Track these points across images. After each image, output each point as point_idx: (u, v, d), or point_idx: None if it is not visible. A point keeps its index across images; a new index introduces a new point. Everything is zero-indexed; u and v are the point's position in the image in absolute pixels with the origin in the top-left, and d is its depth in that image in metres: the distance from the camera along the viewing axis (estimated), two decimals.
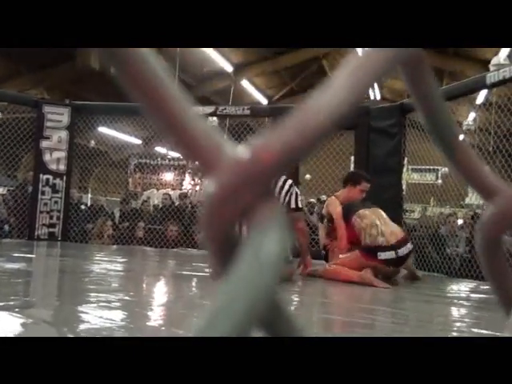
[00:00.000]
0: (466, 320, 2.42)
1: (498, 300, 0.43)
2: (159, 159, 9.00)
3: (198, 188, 9.16)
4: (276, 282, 0.23)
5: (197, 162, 0.25)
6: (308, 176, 8.89)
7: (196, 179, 9.41)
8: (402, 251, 3.47)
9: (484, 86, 4.53)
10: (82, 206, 6.92)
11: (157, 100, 0.25)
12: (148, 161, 8.80)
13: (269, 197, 0.24)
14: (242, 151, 0.24)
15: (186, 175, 9.15)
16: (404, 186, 7.16)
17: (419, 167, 9.61)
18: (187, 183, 9.41)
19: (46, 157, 5.98)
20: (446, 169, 9.24)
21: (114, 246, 6.03)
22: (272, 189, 0.25)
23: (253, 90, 11.78)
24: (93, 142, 9.60)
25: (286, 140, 0.24)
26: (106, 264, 3.96)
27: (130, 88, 0.25)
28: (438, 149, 0.40)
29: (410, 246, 3.58)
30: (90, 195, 9.23)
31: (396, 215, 4.75)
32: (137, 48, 0.24)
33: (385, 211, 3.75)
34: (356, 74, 0.26)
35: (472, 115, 8.63)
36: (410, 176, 9.47)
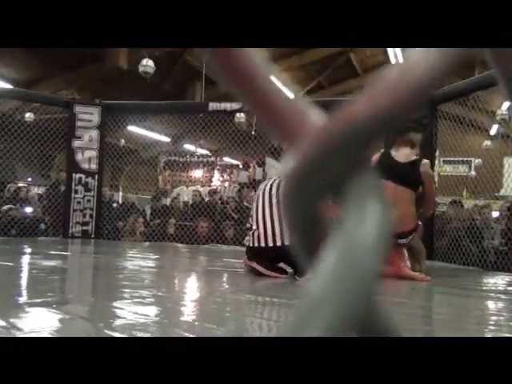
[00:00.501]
0: (504, 314, 2.37)
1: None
2: (188, 156, 9.08)
3: (226, 184, 9.20)
4: (375, 275, 0.20)
5: (281, 133, 0.23)
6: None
7: (225, 175, 9.46)
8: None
9: None
10: (114, 204, 7.03)
11: (241, 72, 0.23)
12: (177, 158, 8.89)
13: (363, 165, 0.21)
14: (329, 115, 0.22)
15: (215, 172, 9.20)
16: (436, 179, 7.03)
17: (451, 159, 9.44)
18: (216, 179, 9.47)
19: (78, 156, 6.10)
20: (480, 160, 9.06)
21: (146, 243, 6.11)
22: (366, 155, 0.22)
23: (280, 86, 11.75)
24: (123, 141, 9.74)
25: (376, 100, 0.21)
26: (139, 261, 4.01)
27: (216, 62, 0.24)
28: None
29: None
30: (121, 193, 9.39)
31: None
32: None
33: None
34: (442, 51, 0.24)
35: (506, 104, 8.42)
36: (441, 168, 9.32)
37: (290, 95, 0.24)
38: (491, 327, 1.99)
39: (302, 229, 0.23)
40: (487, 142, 9.56)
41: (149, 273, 3.39)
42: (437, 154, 8.69)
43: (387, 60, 10.62)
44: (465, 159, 9.78)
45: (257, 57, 0.25)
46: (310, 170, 0.21)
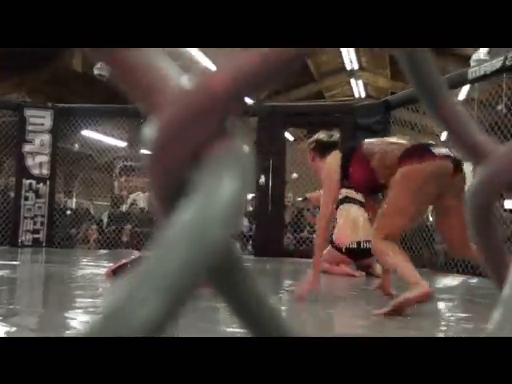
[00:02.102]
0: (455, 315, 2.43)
1: (490, 276, 0.41)
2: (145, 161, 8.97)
3: None
4: (230, 234, 0.19)
5: (141, 96, 0.21)
6: (295, 175, 8.91)
7: None
8: None
9: (465, 82, 4.56)
10: (68, 212, 6.85)
11: None
12: (133, 163, 8.74)
13: (223, 132, 0.21)
14: (188, 81, 0.21)
15: None
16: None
17: None
18: None
19: (29, 161, 5.90)
20: None
21: (101, 251, 5.97)
22: (227, 123, 0.21)
23: None
24: (77, 146, 9.51)
25: (237, 66, 0.21)
26: (92, 269, 3.91)
27: None
28: (424, 105, 0.37)
29: None
30: (74, 199, 9.15)
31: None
32: None
33: None
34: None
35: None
36: None
37: (154, 57, 0.22)
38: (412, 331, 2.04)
39: (168, 195, 0.22)
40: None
41: (102, 281, 3.30)
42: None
43: (343, 65, 10.82)
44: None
45: None
46: (171, 137, 0.20)
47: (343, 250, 4.09)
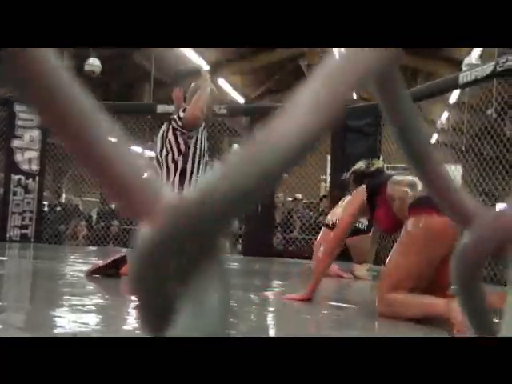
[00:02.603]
0: None
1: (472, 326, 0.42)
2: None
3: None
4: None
5: (131, 209, 0.22)
6: (285, 175, 8.92)
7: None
8: None
9: (456, 86, 4.60)
10: (58, 208, 6.80)
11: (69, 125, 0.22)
12: None
13: (213, 249, 0.23)
14: (182, 195, 0.23)
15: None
16: None
17: (395, 166, 9.72)
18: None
19: (18, 157, 5.85)
20: None
21: (89, 247, 5.94)
22: (219, 240, 0.23)
23: (229, 89, 11.75)
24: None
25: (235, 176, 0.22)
26: (80, 266, 3.89)
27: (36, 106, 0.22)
28: (409, 162, 0.38)
29: None
30: (64, 195, 9.09)
31: None
32: (37, 48, 0.22)
33: None
34: (332, 81, 0.24)
35: (445, 114, 8.77)
36: None
37: (142, 174, 0.23)
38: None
39: (152, 307, 0.24)
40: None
41: (90, 278, 3.28)
42: (381, 160, 8.96)
43: None
44: (408, 166, 10.10)
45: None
46: (162, 249, 0.22)
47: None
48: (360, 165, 2.87)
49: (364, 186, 2.56)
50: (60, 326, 1.78)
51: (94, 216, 6.87)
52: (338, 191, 6.04)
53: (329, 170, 6.87)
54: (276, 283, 3.75)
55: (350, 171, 2.93)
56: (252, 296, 2.72)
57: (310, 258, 4.68)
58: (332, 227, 4.11)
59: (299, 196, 8.94)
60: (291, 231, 6.92)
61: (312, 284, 2.51)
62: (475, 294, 0.40)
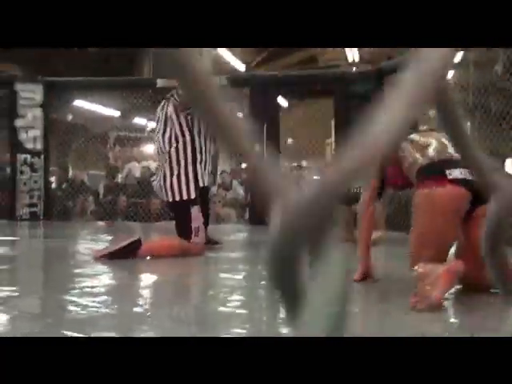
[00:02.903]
0: None
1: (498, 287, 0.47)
2: (138, 132, 8.90)
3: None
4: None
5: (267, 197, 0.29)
6: (290, 140, 8.85)
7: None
8: None
9: None
10: (64, 185, 6.85)
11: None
12: (128, 133, 8.69)
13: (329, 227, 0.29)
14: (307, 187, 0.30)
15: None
16: None
17: None
18: None
19: (22, 136, 5.87)
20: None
21: (98, 223, 6.01)
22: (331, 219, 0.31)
23: (229, 56, 11.60)
24: (70, 117, 9.43)
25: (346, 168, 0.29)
26: (91, 244, 3.95)
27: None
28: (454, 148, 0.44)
29: None
30: (71, 171, 9.14)
31: None
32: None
33: None
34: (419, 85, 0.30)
35: (451, 72, 8.63)
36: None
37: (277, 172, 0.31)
38: None
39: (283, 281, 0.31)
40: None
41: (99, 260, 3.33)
42: None
43: None
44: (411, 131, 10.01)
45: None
46: (292, 231, 0.28)
47: None
48: None
49: None
50: (71, 311, 1.83)
51: (101, 191, 6.92)
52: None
53: (333, 136, 6.82)
54: None
55: None
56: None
57: None
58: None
59: (304, 163, 8.90)
60: None
61: (361, 264, 2.37)
62: (501, 257, 0.47)
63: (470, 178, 2.02)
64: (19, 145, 5.86)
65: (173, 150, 3.12)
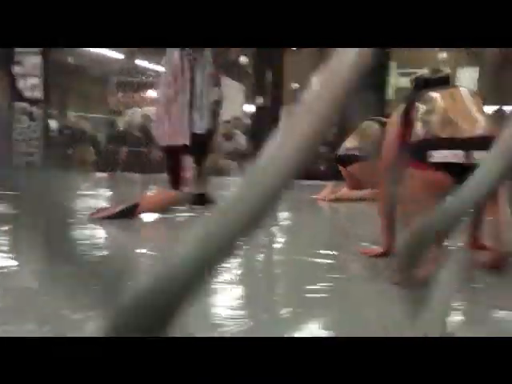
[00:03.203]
0: None
1: None
2: (141, 76, 8.72)
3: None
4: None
5: None
6: (296, 85, 8.63)
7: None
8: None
9: None
10: (65, 131, 6.80)
11: None
12: (130, 78, 8.52)
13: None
14: None
15: None
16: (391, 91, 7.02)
17: (407, 71, 9.46)
18: None
19: (20, 83, 5.76)
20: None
21: (98, 174, 5.99)
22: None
23: None
24: (71, 59, 9.24)
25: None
26: (90, 199, 3.93)
27: None
28: None
29: None
30: (72, 116, 9.06)
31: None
32: None
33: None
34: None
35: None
36: (398, 80, 9.34)
37: None
38: None
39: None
40: (443, 54, 9.55)
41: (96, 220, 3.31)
42: (394, 66, 8.62)
43: None
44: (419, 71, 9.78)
45: None
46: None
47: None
48: (424, 71, 2.46)
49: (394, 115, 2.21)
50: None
51: (102, 140, 6.87)
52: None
53: None
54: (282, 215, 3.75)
55: (412, 77, 2.42)
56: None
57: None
58: (347, 161, 4.07)
59: None
60: None
61: (385, 239, 2.22)
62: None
63: (455, 161, 1.86)
64: (17, 93, 5.76)
65: (171, 92, 3.01)
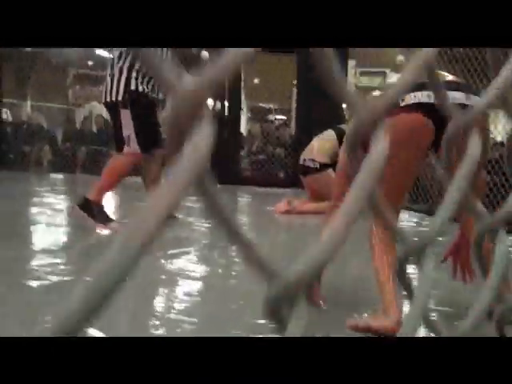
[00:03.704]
0: None
1: None
2: (100, 69, 8.49)
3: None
4: None
5: None
6: (256, 81, 8.52)
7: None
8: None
9: None
10: (23, 126, 6.55)
11: None
12: (88, 71, 8.30)
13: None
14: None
15: None
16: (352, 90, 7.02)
17: (368, 70, 9.51)
18: None
19: None
20: (394, 72, 9.15)
21: (54, 176, 5.79)
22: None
23: None
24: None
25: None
26: (51, 200, 3.75)
27: None
28: None
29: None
30: (29, 104, 8.76)
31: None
32: None
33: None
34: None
35: None
36: (359, 79, 9.38)
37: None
38: None
39: None
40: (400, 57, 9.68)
41: (61, 220, 3.22)
42: (353, 64, 8.57)
43: None
44: (380, 70, 9.83)
45: None
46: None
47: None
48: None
49: None
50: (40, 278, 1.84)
51: (59, 137, 6.68)
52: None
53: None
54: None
55: None
56: None
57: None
58: (305, 171, 4.09)
59: (271, 106, 8.65)
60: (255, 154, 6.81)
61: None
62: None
63: (429, 101, 1.65)
64: None
65: (116, 55, 3.08)
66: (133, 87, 3.08)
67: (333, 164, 3.83)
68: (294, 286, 0.27)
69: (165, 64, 0.22)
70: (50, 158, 6.06)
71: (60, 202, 4.25)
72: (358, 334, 1.47)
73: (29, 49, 9.07)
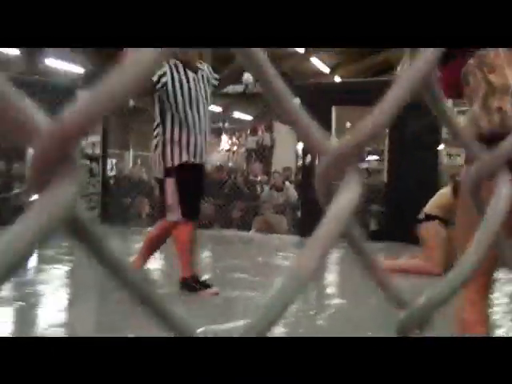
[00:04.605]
0: None
1: None
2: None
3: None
4: None
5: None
6: (348, 124, 8.27)
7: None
8: None
9: None
10: (111, 181, 6.66)
11: None
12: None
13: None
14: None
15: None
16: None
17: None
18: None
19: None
20: None
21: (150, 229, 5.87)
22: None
23: (316, 60, 11.35)
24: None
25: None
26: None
27: None
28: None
29: None
30: (131, 153, 9.13)
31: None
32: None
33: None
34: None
35: None
36: None
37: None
38: None
39: None
40: None
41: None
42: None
43: None
44: None
45: None
46: None
47: None
48: None
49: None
50: None
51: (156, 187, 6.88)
52: None
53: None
54: None
55: None
56: None
57: None
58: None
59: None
60: None
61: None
62: None
63: None
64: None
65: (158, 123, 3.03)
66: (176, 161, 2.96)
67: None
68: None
69: (24, 102, 0.20)
70: (147, 211, 6.18)
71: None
72: (357, 334, 1.50)
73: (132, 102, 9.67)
